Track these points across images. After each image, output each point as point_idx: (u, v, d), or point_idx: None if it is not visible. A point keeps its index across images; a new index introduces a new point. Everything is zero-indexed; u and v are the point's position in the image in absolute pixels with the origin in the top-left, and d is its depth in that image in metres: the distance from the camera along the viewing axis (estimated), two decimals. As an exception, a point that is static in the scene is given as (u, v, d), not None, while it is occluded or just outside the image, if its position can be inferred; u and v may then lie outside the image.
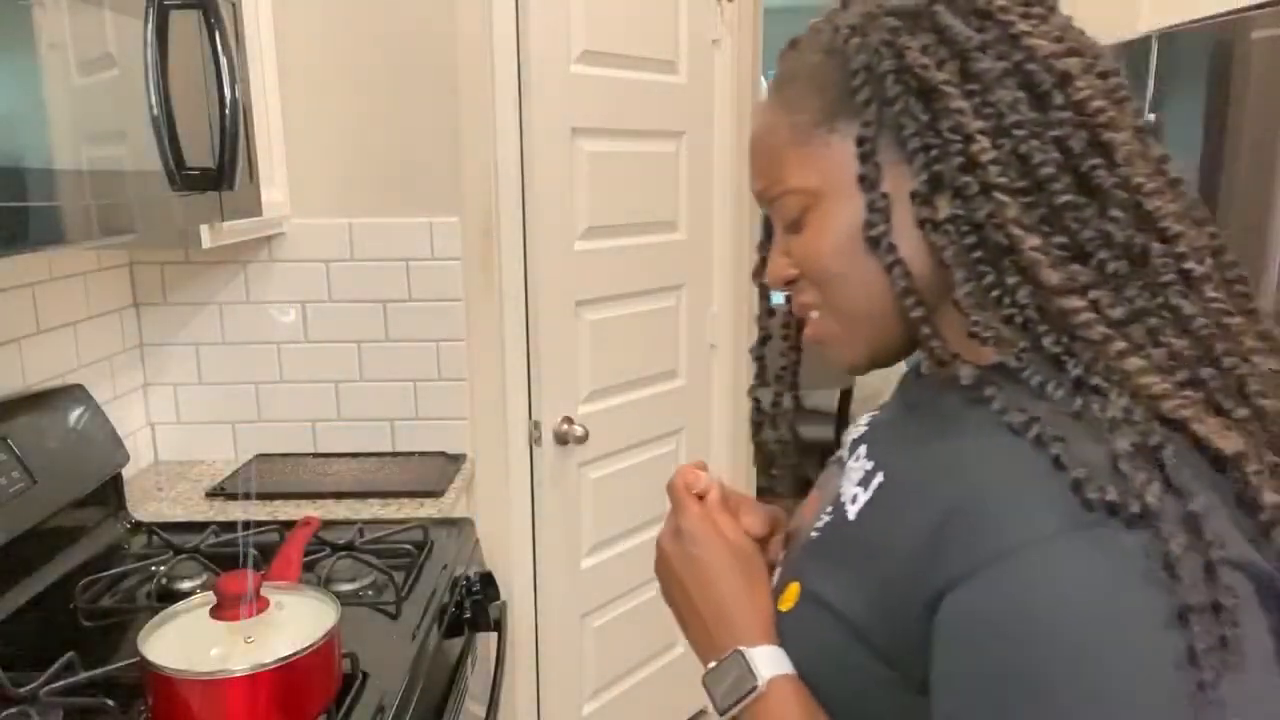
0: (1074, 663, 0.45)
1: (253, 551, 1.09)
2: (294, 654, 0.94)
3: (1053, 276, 0.53)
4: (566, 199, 1.95)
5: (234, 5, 1.41)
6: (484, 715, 1.40)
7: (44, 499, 1.36)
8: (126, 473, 1.67)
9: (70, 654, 1.05)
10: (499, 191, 1.89)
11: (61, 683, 1.02)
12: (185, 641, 0.97)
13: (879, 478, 0.62)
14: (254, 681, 0.92)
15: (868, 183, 0.59)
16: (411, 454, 1.98)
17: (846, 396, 3.91)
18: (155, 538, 1.51)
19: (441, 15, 1.83)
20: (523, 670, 2.09)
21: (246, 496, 1.76)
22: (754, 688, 0.60)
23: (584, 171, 1.98)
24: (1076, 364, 0.53)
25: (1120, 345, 0.52)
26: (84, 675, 1.04)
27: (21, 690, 1.00)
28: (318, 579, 1.36)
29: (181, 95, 1.17)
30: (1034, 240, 0.54)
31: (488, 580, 1.51)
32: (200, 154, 1.23)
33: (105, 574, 1.38)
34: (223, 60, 1.21)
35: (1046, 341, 0.54)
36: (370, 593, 1.36)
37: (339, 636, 1.03)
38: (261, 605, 0.99)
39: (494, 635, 1.49)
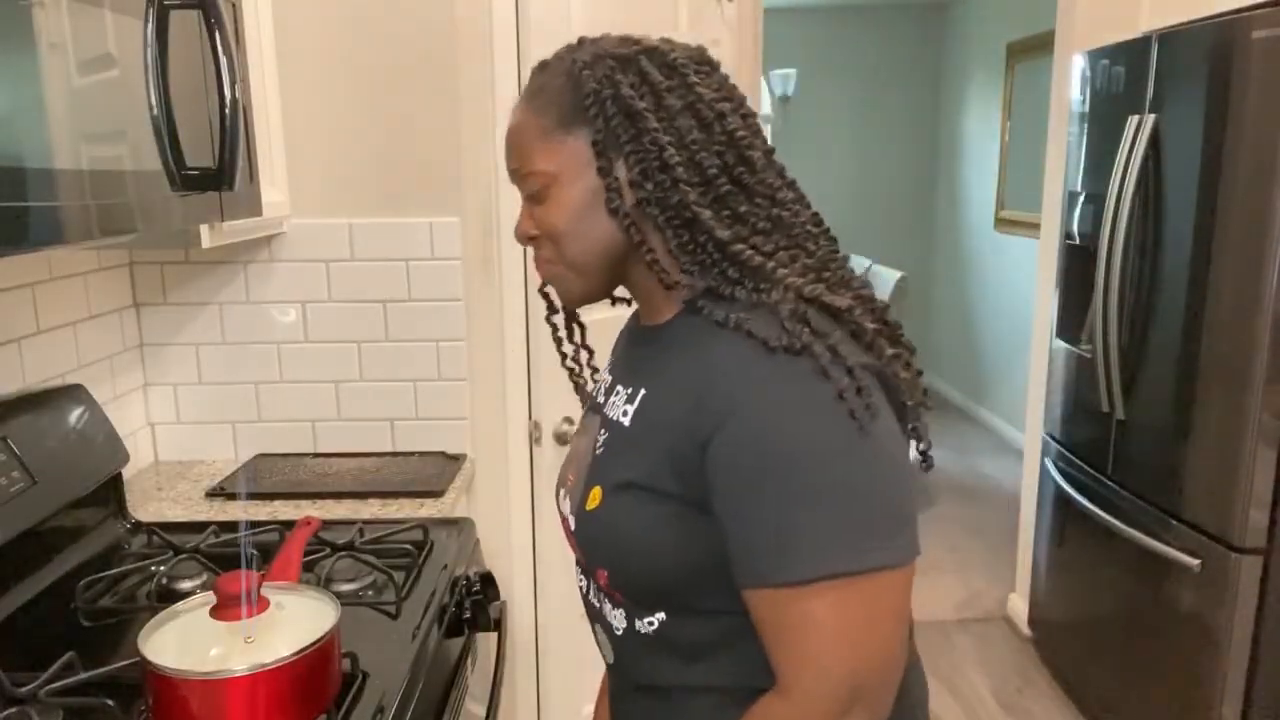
0: (791, 438, 0.76)
1: (253, 551, 1.09)
2: (294, 654, 0.94)
3: (724, 234, 0.82)
4: (566, 199, 1.95)
5: (234, 5, 1.41)
6: (484, 715, 1.40)
7: (44, 499, 1.36)
8: (126, 473, 1.67)
9: (70, 654, 1.05)
10: (499, 191, 1.89)
11: (61, 683, 1.02)
12: (185, 641, 0.97)
13: (641, 393, 0.88)
14: (254, 681, 0.92)
15: (604, 171, 0.84)
16: (411, 454, 1.98)
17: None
18: (155, 538, 1.51)
19: (442, 15, 1.83)
20: (523, 670, 2.09)
21: (246, 496, 1.76)
22: None
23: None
24: (749, 281, 0.82)
25: (771, 265, 0.82)
26: (84, 675, 1.04)
27: (21, 690, 1.00)
28: (318, 579, 1.36)
29: (181, 95, 1.17)
30: (708, 213, 0.82)
31: (488, 580, 1.51)
32: (200, 154, 1.23)
33: (105, 574, 1.38)
34: (223, 60, 1.21)
35: (729, 272, 0.83)
36: (370, 593, 1.36)
37: (339, 636, 1.03)
38: (261, 605, 0.99)
39: (494, 635, 1.49)
